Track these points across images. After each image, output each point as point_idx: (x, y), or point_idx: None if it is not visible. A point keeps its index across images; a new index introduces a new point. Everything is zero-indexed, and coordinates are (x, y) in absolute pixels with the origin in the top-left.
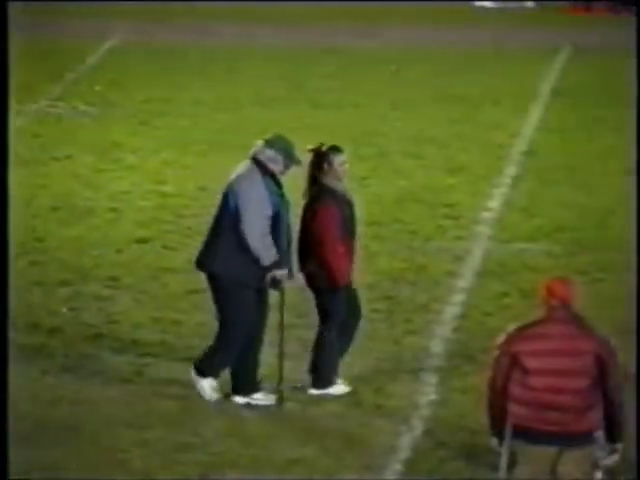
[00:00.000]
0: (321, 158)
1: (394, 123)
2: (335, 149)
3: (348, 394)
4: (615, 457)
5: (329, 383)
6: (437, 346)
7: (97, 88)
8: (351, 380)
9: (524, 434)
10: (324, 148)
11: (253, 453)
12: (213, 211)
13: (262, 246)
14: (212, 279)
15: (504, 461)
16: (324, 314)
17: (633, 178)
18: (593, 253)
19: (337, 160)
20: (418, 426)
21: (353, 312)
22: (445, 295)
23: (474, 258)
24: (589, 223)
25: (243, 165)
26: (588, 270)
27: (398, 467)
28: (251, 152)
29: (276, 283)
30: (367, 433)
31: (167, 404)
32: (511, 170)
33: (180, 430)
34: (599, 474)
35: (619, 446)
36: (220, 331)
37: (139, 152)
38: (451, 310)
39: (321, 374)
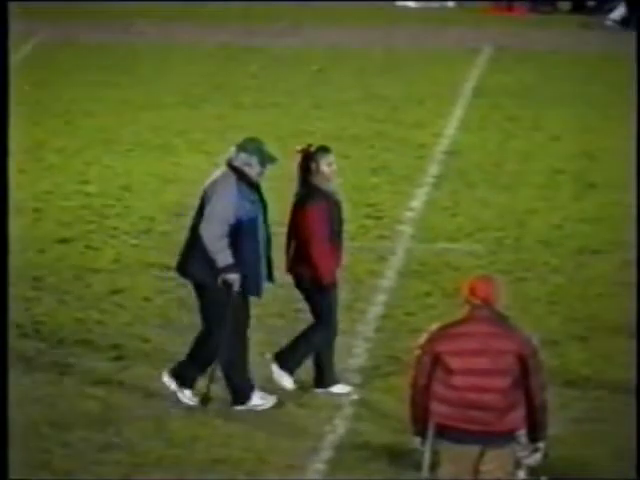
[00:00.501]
0: (309, 159)
1: (317, 123)
2: (323, 150)
3: (270, 393)
4: (537, 456)
5: (290, 373)
6: (360, 346)
7: (26, 88)
8: (279, 380)
9: (447, 433)
10: (312, 149)
11: (177, 453)
12: (137, 211)
13: (216, 248)
14: (196, 286)
15: (427, 460)
16: (314, 314)
17: (564, 177)
18: (515, 252)
19: (324, 160)
20: (341, 426)
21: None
22: (368, 295)
23: (397, 258)
24: (510, 222)
25: (219, 171)
26: (510, 269)
27: (321, 467)
28: (226, 158)
29: (227, 286)
30: (290, 433)
31: (91, 404)
32: (434, 170)
33: (103, 430)
34: (521, 473)
35: (541, 445)
36: (204, 337)
37: (63, 152)
38: (374, 310)
39: (292, 364)
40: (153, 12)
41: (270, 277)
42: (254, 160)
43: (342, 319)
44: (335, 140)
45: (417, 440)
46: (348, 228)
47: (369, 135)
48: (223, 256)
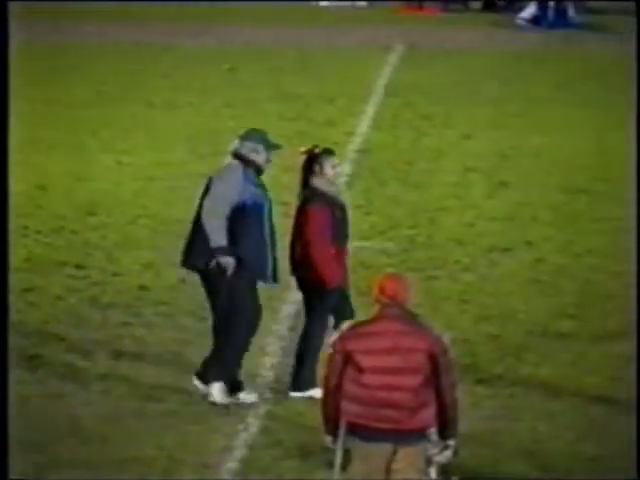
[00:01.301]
0: (312, 161)
1: (229, 121)
2: (327, 152)
3: (184, 393)
4: (448, 454)
5: (312, 385)
6: (273, 344)
7: None
8: (189, 379)
9: (358, 432)
10: (316, 151)
11: (90, 452)
12: (48, 210)
13: (213, 227)
14: (201, 275)
15: (338, 459)
16: (310, 316)
17: (475, 175)
18: (426, 250)
19: (329, 162)
20: (254, 424)
21: (349, 313)
22: (281, 293)
23: None
24: (422, 220)
25: (226, 162)
26: (422, 267)
27: (234, 466)
28: (231, 150)
29: (221, 270)
30: (203, 432)
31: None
32: (346, 168)
33: (16, 429)
34: (433, 471)
35: (452, 443)
36: (220, 329)
37: None
38: (288, 308)
39: (302, 376)
40: (64, 12)
41: (275, 277)
42: (260, 147)
43: None
44: None
45: (329, 439)
46: None
47: (281, 134)
48: (218, 236)
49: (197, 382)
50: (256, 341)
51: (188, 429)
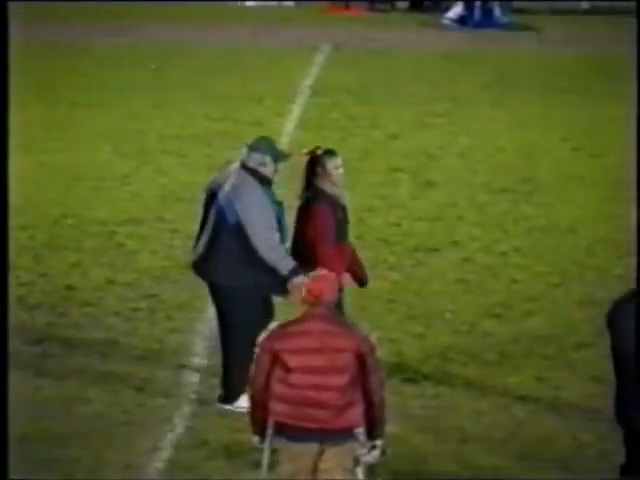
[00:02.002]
0: (315, 162)
1: (155, 122)
2: (330, 153)
3: (109, 393)
4: (375, 454)
5: None
6: (200, 344)
7: None
8: (113, 379)
9: (285, 432)
10: (319, 152)
11: (13, 454)
12: None
13: (277, 257)
14: (215, 290)
15: (266, 459)
16: None
17: (402, 175)
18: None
19: (331, 164)
20: (180, 425)
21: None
22: (207, 293)
23: None
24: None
25: (234, 174)
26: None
27: (160, 466)
28: (239, 160)
29: (268, 290)
30: (129, 432)
31: None
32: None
33: None
34: (360, 471)
35: (379, 443)
36: (230, 347)
37: None
38: (213, 308)
39: None
40: None
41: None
42: (267, 159)
43: (181, 317)
44: (172, 139)
45: (256, 439)
46: (186, 227)
47: (207, 134)
48: (286, 263)
49: (225, 406)
50: (182, 341)
51: (114, 430)
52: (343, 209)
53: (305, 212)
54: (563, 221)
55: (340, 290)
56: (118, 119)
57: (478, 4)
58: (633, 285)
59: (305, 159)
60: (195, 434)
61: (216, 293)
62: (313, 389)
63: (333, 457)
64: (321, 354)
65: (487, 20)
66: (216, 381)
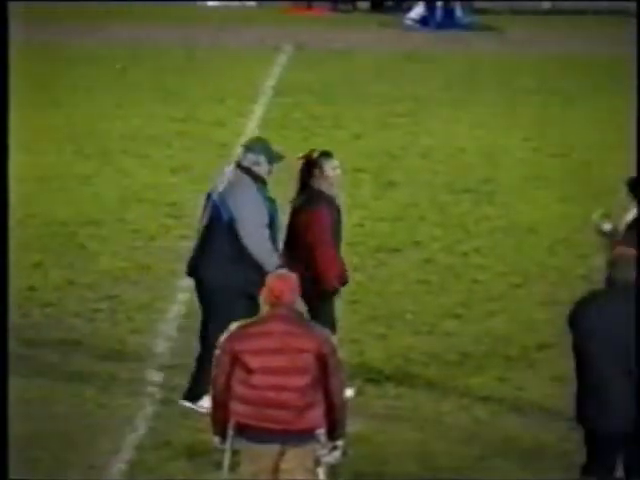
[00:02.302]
0: (312, 164)
1: (116, 122)
2: (326, 155)
3: (71, 395)
4: (336, 454)
5: None
6: (161, 345)
7: None
8: (74, 380)
9: (246, 432)
10: (315, 154)
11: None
12: None
13: (265, 255)
14: (204, 288)
15: (227, 460)
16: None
17: (364, 175)
18: None
19: (329, 165)
20: (142, 425)
21: None
22: (169, 294)
23: None
24: None
25: (230, 173)
26: None
27: (122, 467)
28: (235, 160)
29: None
30: (91, 433)
31: None
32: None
33: None
34: (321, 471)
35: (340, 443)
36: (210, 344)
37: None
38: (175, 309)
39: None
40: None
41: None
42: (262, 159)
43: (143, 319)
44: (134, 140)
45: (217, 439)
46: (148, 228)
47: (168, 134)
48: (272, 260)
49: (187, 403)
50: (144, 342)
51: (76, 430)
52: (338, 210)
53: (303, 213)
54: (525, 221)
55: (337, 291)
56: (81, 119)
57: (440, 4)
58: (595, 285)
59: (300, 162)
60: (157, 435)
61: (205, 291)
62: (274, 390)
63: (294, 458)
64: (282, 355)
65: (449, 20)
66: (179, 381)
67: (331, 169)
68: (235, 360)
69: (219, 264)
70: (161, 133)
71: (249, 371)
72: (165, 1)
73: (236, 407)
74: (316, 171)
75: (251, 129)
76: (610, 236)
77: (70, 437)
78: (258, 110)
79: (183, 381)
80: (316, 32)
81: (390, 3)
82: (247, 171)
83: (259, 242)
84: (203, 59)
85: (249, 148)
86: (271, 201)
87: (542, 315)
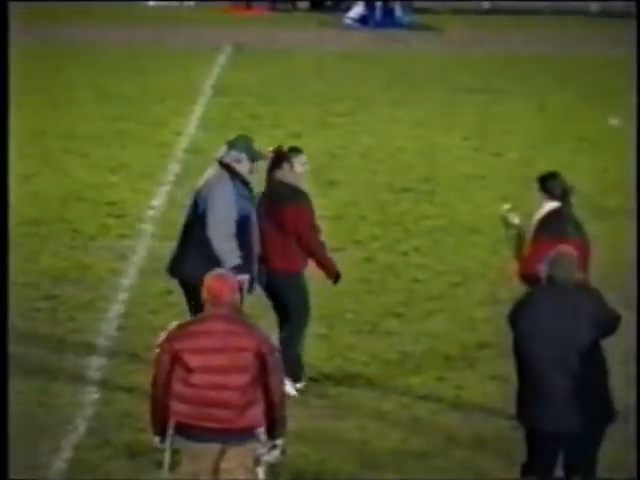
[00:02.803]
0: (282, 158)
1: (56, 122)
2: (296, 150)
3: (11, 394)
4: (276, 453)
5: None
6: (101, 344)
7: None
8: (14, 379)
9: (186, 432)
10: (284, 149)
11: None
12: None
13: (225, 249)
14: (185, 287)
15: (167, 459)
16: (290, 307)
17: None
18: None
19: (298, 160)
20: (82, 425)
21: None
22: (109, 293)
23: (138, 256)
24: None
25: (212, 170)
26: None
27: (62, 466)
28: (217, 156)
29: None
30: (31, 432)
31: None
32: (175, 168)
33: None
34: (261, 471)
35: (279, 442)
36: None
37: None
38: (116, 308)
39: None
40: None
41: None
42: (243, 156)
43: (83, 318)
44: (71, 139)
45: (157, 439)
46: (88, 227)
47: (108, 134)
48: (232, 257)
49: None
50: (83, 341)
51: (15, 431)
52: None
53: (283, 207)
54: (465, 220)
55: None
56: (19, 119)
57: (379, 4)
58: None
59: (269, 155)
60: (97, 434)
61: (187, 289)
62: (214, 389)
63: (234, 457)
64: (223, 353)
65: (388, 20)
66: (121, 381)
67: (300, 165)
68: (175, 359)
69: (196, 261)
70: (101, 133)
71: (189, 370)
72: (105, 1)
73: (176, 406)
74: (286, 165)
75: (190, 129)
76: (517, 229)
77: (10, 436)
78: (198, 110)
79: (124, 380)
80: (255, 32)
81: (329, 2)
82: (227, 168)
83: (220, 238)
84: (143, 59)
85: (232, 145)
86: (250, 200)
87: (482, 314)
